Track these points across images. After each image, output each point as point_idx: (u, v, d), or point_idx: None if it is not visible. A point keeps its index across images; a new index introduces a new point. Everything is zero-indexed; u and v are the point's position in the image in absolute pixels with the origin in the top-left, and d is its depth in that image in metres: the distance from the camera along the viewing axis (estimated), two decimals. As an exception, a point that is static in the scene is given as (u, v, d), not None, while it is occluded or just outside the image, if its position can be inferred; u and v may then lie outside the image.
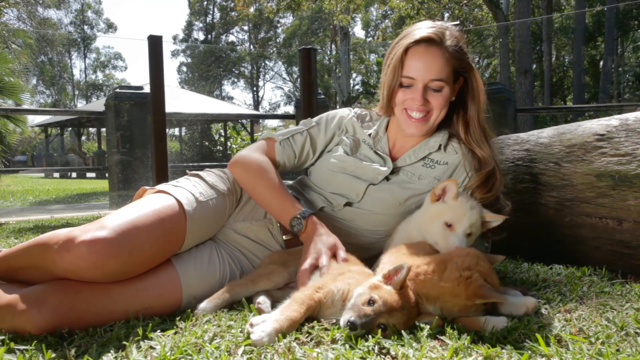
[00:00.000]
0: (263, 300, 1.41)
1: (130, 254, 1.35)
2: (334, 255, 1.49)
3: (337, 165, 1.82)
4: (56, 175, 23.30)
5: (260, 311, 1.36)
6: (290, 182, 1.99)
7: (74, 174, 23.67)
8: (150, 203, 1.51)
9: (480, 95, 1.73)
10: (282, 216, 1.64)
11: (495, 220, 1.54)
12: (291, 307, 1.21)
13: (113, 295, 1.34)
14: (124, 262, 1.34)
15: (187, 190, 1.61)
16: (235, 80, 49.54)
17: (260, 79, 49.70)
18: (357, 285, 1.25)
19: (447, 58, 1.64)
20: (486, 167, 1.69)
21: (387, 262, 1.47)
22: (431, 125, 1.73)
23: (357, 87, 36.70)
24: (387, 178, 1.77)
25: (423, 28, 1.67)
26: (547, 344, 1.10)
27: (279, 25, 45.10)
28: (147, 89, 5.47)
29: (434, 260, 1.33)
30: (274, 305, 1.39)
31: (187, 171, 1.79)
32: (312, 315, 1.26)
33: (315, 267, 1.46)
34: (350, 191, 1.77)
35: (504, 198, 1.74)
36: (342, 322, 1.17)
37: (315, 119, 1.95)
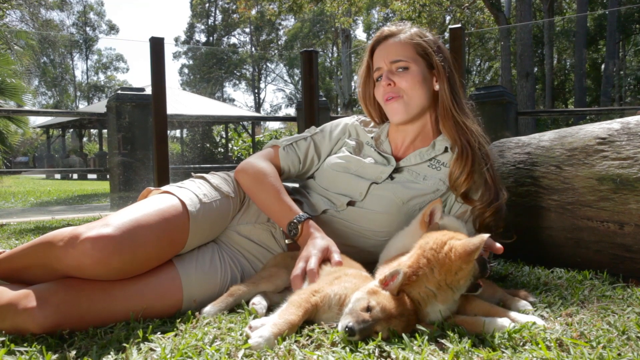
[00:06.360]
0: (258, 301, 1.41)
1: (133, 252, 1.35)
2: (328, 259, 1.47)
3: (341, 165, 1.83)
4: (57, 176, 23.31)
5: (254, 311, 1.36)
6: (295, 185, 2.00)
7: (75, 175, 23.69)
8: (154, 203, 1.52)
9: (443, 71, 1.74)
10: (280, 220, 1.66)
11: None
12: (289, 311, 1.20)
13: (115, 294, 1.35)
14: (127, 260, 1.34)
15: (191, 191, 1.62)
16: (237, 82, 49.65)
17: (261, 81, 49.81)
18: (354, 290, 1.24)
19: (405, 42, 1.78)
20: (457, 147, 1.70)
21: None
22: (410, 106, 1.76)
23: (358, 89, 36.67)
24: (391, 177, 1.78)
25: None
26: (549, 348, 1.09)
27: (280, 27, 45.20)
28: (148, 91, 5.49)
29: (411, 258, 1.28)
30: (269, 308, 1.39)
31: (192, 173, 1.80)
32: (309, 318, 1.25)
33: (306, 272, 1.44)
34: (354, 190, 1.78)
35: (502, 188, 1.71)
36: (340, 327, 1.16)
37: (320, 127, 2.00)
